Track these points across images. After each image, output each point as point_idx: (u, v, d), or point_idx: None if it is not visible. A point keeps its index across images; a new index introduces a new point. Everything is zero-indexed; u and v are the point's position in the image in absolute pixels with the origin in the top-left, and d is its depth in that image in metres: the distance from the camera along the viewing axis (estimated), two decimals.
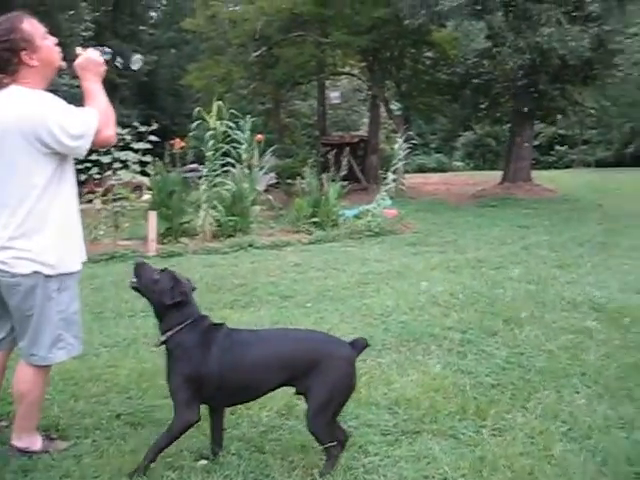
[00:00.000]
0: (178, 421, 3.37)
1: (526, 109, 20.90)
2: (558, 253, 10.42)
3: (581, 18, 18.94)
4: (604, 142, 50.84)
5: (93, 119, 3.34)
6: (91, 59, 3.50)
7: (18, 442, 3.56)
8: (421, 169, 44.69)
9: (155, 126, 11.78)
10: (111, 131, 3.46)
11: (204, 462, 3.51)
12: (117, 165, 11.65)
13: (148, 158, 11.92)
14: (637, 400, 4.33)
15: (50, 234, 3.35)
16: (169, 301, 3.39)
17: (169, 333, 3.42)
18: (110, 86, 3.73)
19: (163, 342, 3.44)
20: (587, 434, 3.84)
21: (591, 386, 4.60)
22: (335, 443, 3.33)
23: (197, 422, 3.38)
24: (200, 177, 12.53)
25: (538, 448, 3.69)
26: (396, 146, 14.08)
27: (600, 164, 46.93)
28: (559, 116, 25.55)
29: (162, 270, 3.53)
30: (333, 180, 13.27)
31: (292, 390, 4.26)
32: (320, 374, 3.28)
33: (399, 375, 4.80)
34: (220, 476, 3.37)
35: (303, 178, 13.38)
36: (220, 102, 12.14)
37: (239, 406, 4.23)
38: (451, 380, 4.67)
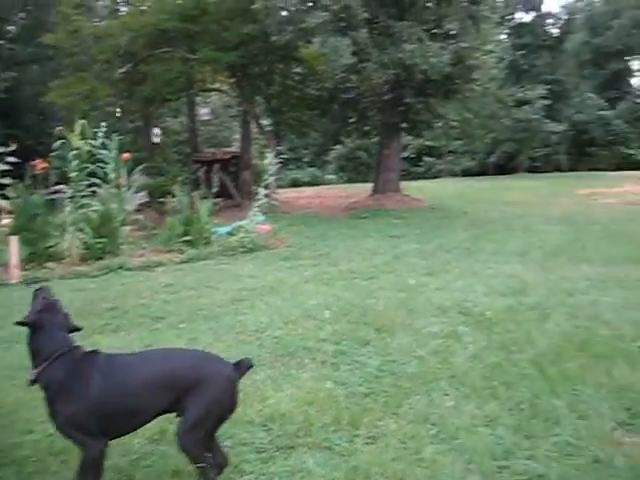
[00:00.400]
0: (85, 459, 3.19)
1: (394, 121, 21.55)
2: (427, 260, 10.77)
3: (441, 35, 19.84)
4: (469, 152, 53.32)
5: None
6: None
7: None
8: (295, 183, 45.11)
9: (14, 147, 11.22)
10: None
11: None
12: None
13: (7, 180, 11.33)
14: (500, 398, 4.52)
15: None
16: (25, 319, 3.21)
17: (38, 369, 3.20)
18: None
19: (33, 381, 3.22)
20: (455, 435, 3.96)
21: (459, 388, 4.76)
22: (207, 464, 3.24)
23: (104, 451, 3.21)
24: (66, 199, 12.05)
25: (409, 452, 3.78)
26: (267, 161, 14.11)
27: (466, 173, 49.20)
28: (425, 128, 26.49)
29: (37, 290, 3.34)
30: (204, 197, 13.12)
31: (164, 415, 4.17)
32: (199, 392, 3.20)
33: (274, 391, 4.78)
34: None
35: (174, 196, 13.13)
36: (84, 120, 11.73)
37: None
38: (325, 392, 4.70)
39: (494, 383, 4.80)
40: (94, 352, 3.39)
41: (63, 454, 3.86)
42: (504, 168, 48.15)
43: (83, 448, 3.19)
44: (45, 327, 3.26)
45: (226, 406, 3.32)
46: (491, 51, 24.33)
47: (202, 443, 3.24)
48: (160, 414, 3.38)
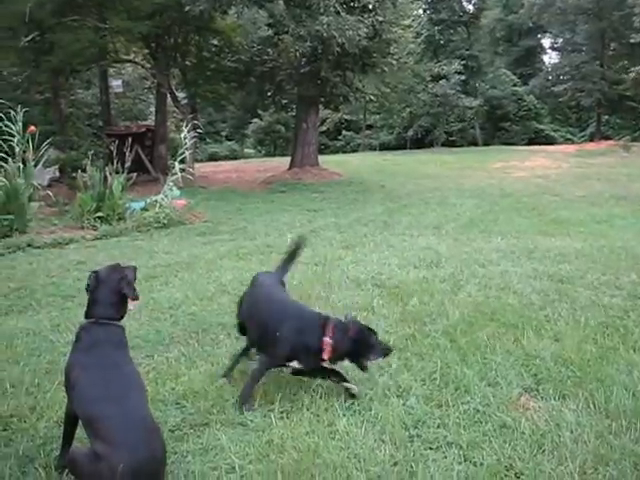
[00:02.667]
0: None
1: (311, 95, 21.50)
2: (344, 234, 10.83)
3: (358, 9, 19.83)
4: (387, 126, 53.97)
5: None
6: None
7: None
8: (213, 157, 44.62)
9: None
10: None
11: None
12: None
13: None
14: (413, 369, 4.58)
15: None
16: None
17: None
18: None
19: None
20: (368, 406, 4.00)
21: None
22: None
23: None
24: None
25: (323, 425, 3.79)
26: (182, 135, 13.83)
27: (384, 147, 49.76)
28: (343, 102, 26.54)
29: None
30: (117, 172, 12.75)
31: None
32: None
33: (187, 368, 4.70)
34: None
35: (85, 171, 12.69)
36: None
37: (13, 420, 3.95)
38: (239, 368, 4.64)
39: (407, 354, 4.86)
40: None
41: None
42: (421, 142, 48.94)
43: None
44: None
45: None
46: (409, 26, 24.57)
47: None
48: None
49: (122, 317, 3.48)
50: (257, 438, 3.65)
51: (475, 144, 48.88)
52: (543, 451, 3.43)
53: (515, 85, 53.55)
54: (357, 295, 6.68)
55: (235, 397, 4.12)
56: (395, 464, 3.33)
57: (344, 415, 3.88)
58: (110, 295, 3.40)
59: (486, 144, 48.45)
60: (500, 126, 52.10)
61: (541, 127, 52.32)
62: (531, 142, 47.31)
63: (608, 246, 9.11)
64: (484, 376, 4.43)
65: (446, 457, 3.37)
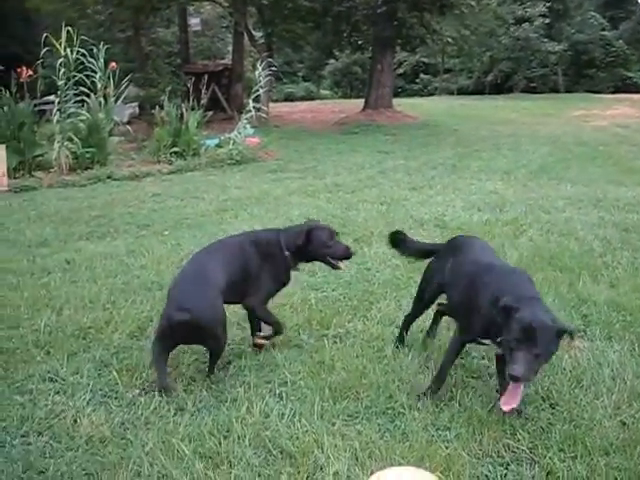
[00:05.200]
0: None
1: (387, 36, 21.24)
2: (412, 176, 10.92)
3: None
4: (465, 70, 52.60)
5: None
6: None
7: None
8: (289, 98, 44.62)
9: None
10: None
11: None
12: None
13: None
14: None
15: None
16: None
17: None
18: None
19: None
20: (417, 337, 4.20)
21: None
22: None
23: None
24: (54, 108, 11.96)
25: (373, 351, 4.03)
26: (256, 73, 14.00)
27: (462, 92, 48.68)
28: (419, 44, 26.12)
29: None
30: (193, 109, 13.08)
31: (144, 314, 4.43)
32: None
33: None
34: (69, 396, 3.47)
35: (163, 108, 13.08)
36: (70, 28, 11.51)
37: (91, 331, 4.33)
38: (299, 296, 4.92)
39: None
40: None
41: (47, 346, 4.09)
42: (500, 88, 47.61)
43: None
44: None
45: None
46: None
47: None
48: None
49: None
50: (309, 358, 3.92)
51: (557, 91, 47.23)
52: (581, 386, 3.57)
53: (604, 29, 51.08)
54: (419, 234, 6.80)
55: (295, 322, 4.41)
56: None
57: (393, 342, 4.09)
58: None
59: (568, 91, 46.70)
60: (585, 73, 50.01)
61: (630, 74, 49.89)
62: (618, 90, 45.28)
63: None
64: None
65: (486, 385, 3.55)
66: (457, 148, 14.87)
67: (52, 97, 15.08)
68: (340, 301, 4.91)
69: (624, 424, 3.18)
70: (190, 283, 3.61)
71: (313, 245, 4.01)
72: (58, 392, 3.53)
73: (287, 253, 3.98)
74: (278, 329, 4.05)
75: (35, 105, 12.34)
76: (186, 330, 3.48)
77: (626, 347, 4.07)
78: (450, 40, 26.04)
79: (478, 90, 48.76)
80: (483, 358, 3.89)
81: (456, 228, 7.10)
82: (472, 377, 3.68)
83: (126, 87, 13.07)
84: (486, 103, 32.12)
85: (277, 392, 3.50)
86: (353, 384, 3.52)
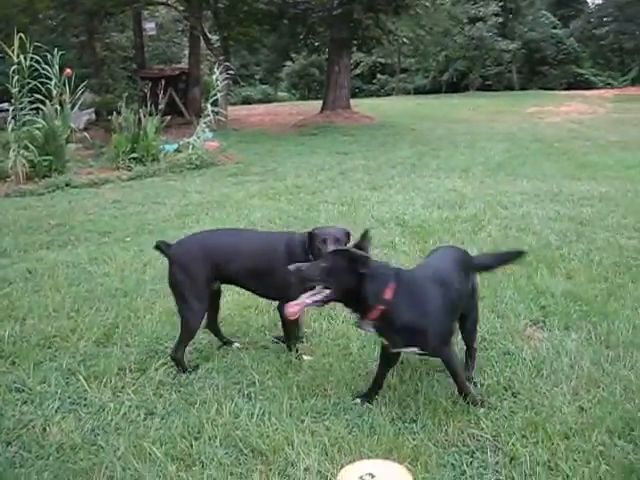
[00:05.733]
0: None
1: (343, 37, 21.37)
2: (372, 176, 11.02)
3: None
4: (422, 70, 53.06)
5: None
6: None
7: None
8: (247, 100, 44.53)
9: None
10: None
11: None
12: None
13: None
14: None
15: None
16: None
17: None
18: None
19: None
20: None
21: None
22: None
23: None
24: (8, 116, 11.78)
25: (339, 349, 4.11)
26: (214, 77, 13.98)
27: (418, 91, 49.13)
28: (375, 45, 26.32)
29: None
30: (151, 114, 13.01)
31: (109, 321, 4.43)
32: None
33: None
34: (37, 405, 3.48)
35: (120, 114, 12.98)
36: (22, 34, 11.34)
37: (56, 340, 4.32)
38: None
39: None
40: None
41: (12, 356, 4.08)
42: (457, 86, 48.18)
43: None
44: None
45: None
46: None
47: None
48: None
49: None
50: (277, 358, 3.98)
51: (511, 88, 47.96)
52: (541, 375, 3.70)
53: (555, 27, 52.06)
54: (380, 233, 6.92)
55: (260, 323, 4.46)
56: (402, 382, 3.62)
57: (358, 339, 4.17)
58: None
59: (523, 88, 47.48)
60: (538, 70, 50.90)
61: (581, 71, 50.93)
62: (570, 87, 46.21)
63: (634, 190, 9.17)
64: (494, 308, 4.68)
65: (450, 378, 3.64)
66: (415, 147, 15.03)
67: (4, 105, 14.88)
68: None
69: (582, 409, 3.32)
70: None
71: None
72: (25, 402, 3.54)
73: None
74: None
75: None
76: None
77: (583, 336, 4.22)
78: (406, 40, 26.33)
79: (435, 89, 49.25)
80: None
81: (416, 226, 7.23)
82: (437, 370, 3.76)
83: (82, 93, 12.92)
84: (443, 102, 32.51)
85: (246, 392, 3.56)
86: (320, 382, 3.60)
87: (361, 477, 2.62)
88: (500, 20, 44.71)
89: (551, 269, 5.55)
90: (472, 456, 2.97)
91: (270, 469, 2.88)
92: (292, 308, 3.13)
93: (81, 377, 3.74)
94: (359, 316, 3.16)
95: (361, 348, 4.07)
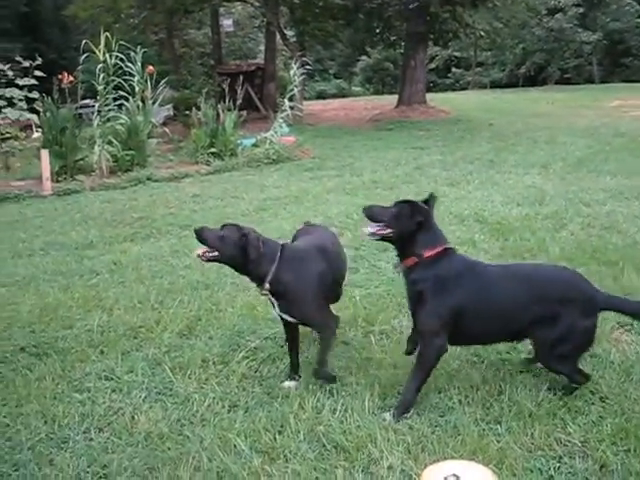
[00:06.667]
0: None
1: (419, 31, 21.15)
2: (449, 172, 10.89)
3: None
4: (498, 64, 52.02)
5: None
6: None
7: None
8: (321, 95, 44.67)
9: (40, 60, 11.36)
10: None
11: None
12: (1, 103, 11.21)
13: (35, 94, 11.51)
14: None
15: None
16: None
17: None
18: None
19: None
20: None
21: None
22: None
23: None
24: (94, 112, 12.17)
25: None
26: (291, 72, 14.08)
27: (494, 85, 48.19)
28: (452, 38, 25.93)
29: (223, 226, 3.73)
30: (229, 110, 13.20)
31: (192, 313, 4.53)
32: None
33: None
34: (125, 394, 3.59)
35: (199, 109, 13.24)
36: (107, 33, 11.71)
37: (142, 330, 4.45)
38: (344, 293, 4.95)
39: None
40: None
41: (101, 346, 4.22)
42: (534, 80, 47.01)
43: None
44: None
45: None
46: None
47: None
48: None
49: None
50: (357, 354, 3.99)
51: (592, 82, 46.47)
52: (631, 379, 3.58)
53: None
54: (460, 230, 6.85)
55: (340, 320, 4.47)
56: (485, 382, 3.57)
57: None
58: None
59: (604, 82, 45.90)
60: (621, 62, 49.06)
61: None
62: None
63: None
64: None
65: (534, 379, 3.57)
66: (493, 142, 14.76)
67: (88, 101, 15.38)
68: (384, 298, 4.97)
69: None
70: None
71: None
72: (115, 390, 3.66)
73: None
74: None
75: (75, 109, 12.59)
76: None
77: None
78: (482, 33, 25.80)
79: (511, 83, 48.20)
80: (530, 353, 3.90)
81: (496, 223, 7.12)
82: (520, 372, 3.70)
83: (163, 89, 13.22)
84: (520, 96, 31.79)
85: (328, 388, 3.56)
86: (402, 380, 3.57)
87: (445, 478, 2.60)
88: (581, 11, 43.39)
89: (638, 269, 5.36)
90: (559, 461, 2.89)
91: (353, 466, 2.89)
92: (366, 229, 3.51)
93: (167, 367, 3.85)
94: (399, 260, 3.52)
95: None
